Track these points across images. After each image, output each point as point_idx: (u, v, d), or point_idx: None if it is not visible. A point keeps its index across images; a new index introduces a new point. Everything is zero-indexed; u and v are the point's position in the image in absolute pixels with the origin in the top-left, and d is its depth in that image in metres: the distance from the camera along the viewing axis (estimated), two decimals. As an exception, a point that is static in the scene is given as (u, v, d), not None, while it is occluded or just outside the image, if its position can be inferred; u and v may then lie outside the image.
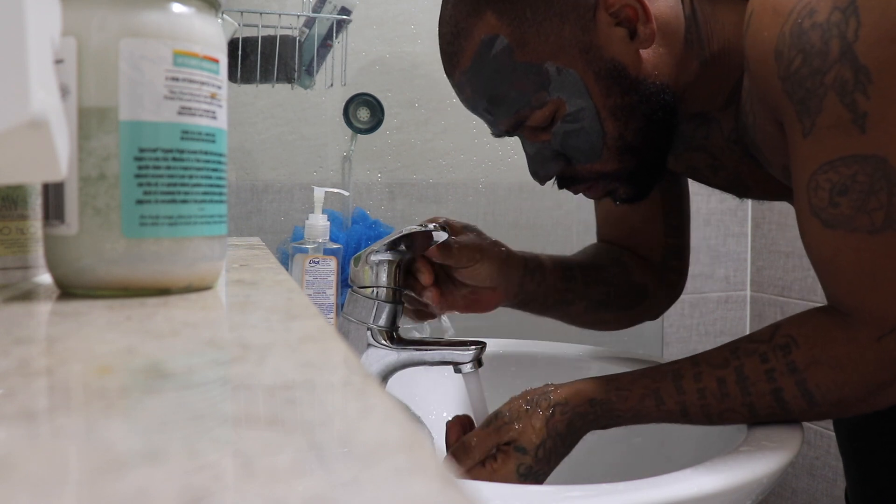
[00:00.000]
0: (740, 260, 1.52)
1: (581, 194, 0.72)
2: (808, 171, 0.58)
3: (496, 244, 0.76)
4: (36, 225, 0.44)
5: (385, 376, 0.74)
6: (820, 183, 0.57)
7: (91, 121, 0.37)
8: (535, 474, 0.63)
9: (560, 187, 0.72)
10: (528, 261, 0.78)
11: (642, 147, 0.66)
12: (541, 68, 0.63)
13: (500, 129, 0.68)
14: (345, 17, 1.08)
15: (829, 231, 0.57)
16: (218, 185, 0.40)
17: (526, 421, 0.63)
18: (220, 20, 0.42)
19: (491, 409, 0.68)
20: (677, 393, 0.62)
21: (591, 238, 1.34)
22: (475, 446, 0.64)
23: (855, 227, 0.56)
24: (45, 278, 0.44)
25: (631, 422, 0.65)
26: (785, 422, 0.64)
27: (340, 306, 0.88)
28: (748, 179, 0.76)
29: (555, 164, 0.68)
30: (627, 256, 0.87)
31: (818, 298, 1.37)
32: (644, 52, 0.63)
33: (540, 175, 0.70)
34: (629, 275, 0.85)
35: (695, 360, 0.64)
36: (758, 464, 0.57)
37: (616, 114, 0.64)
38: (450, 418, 0.71)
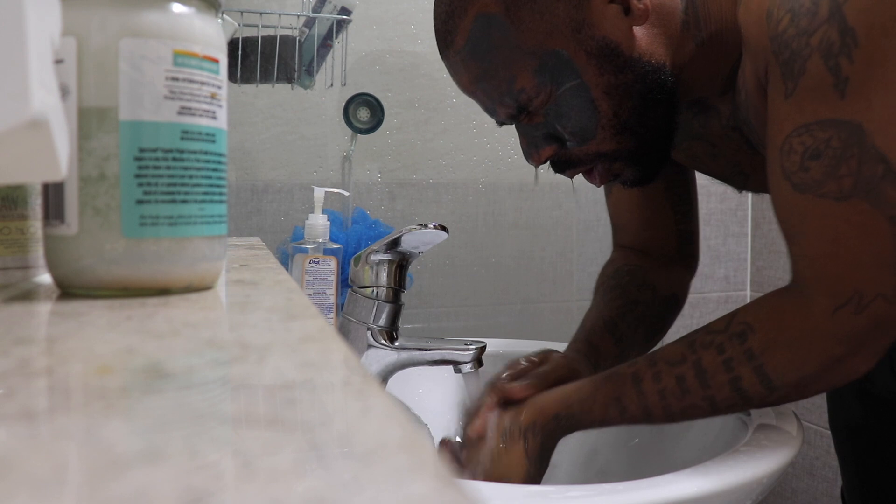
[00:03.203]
0: (740, 260, 1.52)
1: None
2: (783, 133, 0.57)
3: (557, 368, 0.72)
4: (36, 225, 0.44)
5: (385, 376, 0.74)
6: (793, 146, 0.56)
7: (91, 121, 0.37)
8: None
9: (556, 171, 0.70)
10: (588, 357, 0.76)
11: (640, 126, 0.65)
12: (535, 48, 0.62)
13: (500, 116, 0.67)
14: (345, 17, 1.08)
15: (798, 195, 0.57)
16: (218, 185, 0.40)
17: (507, 459, 0.65)
18: (220, 20, 0.42)
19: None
20: (638, 397, 0.62)
21: (590, 238, 1.35)
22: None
23: (823, 193, 0.55)
24: (45, 278, 0.44)
25: (598, 427, 0.66)
26: (746, 409, 0.66)
27: (340, 306, 0.88)
28: (746, 168, 0.76)
29: (547, 144, 0.67)
30: (650, 273, 0.86)
31: (818, 298, 1.36)
32: (638, 31, 0.63)
33: (533, 157, 0.69)
34: (657, 292, 0.85)
35: (652, 360, 0.63)
36: (758, 464, 0.58)
37: (610, 92, 0.63)
38: (449, 424, 0.72)
